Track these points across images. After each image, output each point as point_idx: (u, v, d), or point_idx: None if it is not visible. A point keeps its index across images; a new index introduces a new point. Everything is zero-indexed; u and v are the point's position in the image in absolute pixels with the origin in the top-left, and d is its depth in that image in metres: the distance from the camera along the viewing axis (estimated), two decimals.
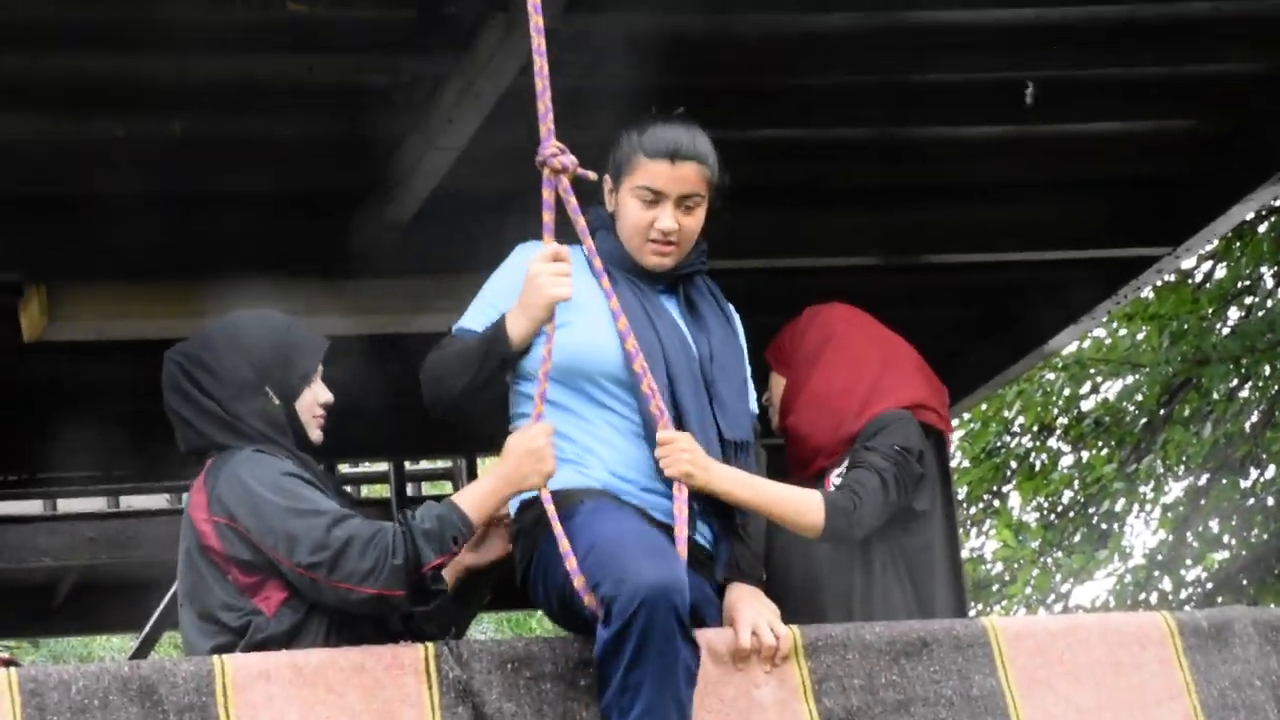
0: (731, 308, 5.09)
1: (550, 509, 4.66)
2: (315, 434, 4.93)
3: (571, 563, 4.60)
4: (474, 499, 4.68)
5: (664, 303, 4.95)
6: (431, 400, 4.84)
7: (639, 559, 4.55)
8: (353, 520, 4.66)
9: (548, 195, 4.78)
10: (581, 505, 4.70)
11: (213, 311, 5.95)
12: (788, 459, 5.41)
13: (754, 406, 5.03)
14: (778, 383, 5.46)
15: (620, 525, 4.67)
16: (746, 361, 5.04)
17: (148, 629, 11.37)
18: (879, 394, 5.31)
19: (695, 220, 4.95)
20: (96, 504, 10.59)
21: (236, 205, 6.70)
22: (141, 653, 11.36)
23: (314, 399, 4.92)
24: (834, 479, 5.19)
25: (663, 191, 4.88)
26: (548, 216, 4.77)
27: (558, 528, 4.63)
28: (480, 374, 4.78)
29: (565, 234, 4.84)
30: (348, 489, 5.83)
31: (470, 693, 4.60)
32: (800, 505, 4.99)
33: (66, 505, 10.58)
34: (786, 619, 4.87)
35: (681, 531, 4.76)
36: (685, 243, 4.94)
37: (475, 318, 4.85)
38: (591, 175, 4.85)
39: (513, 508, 4.82)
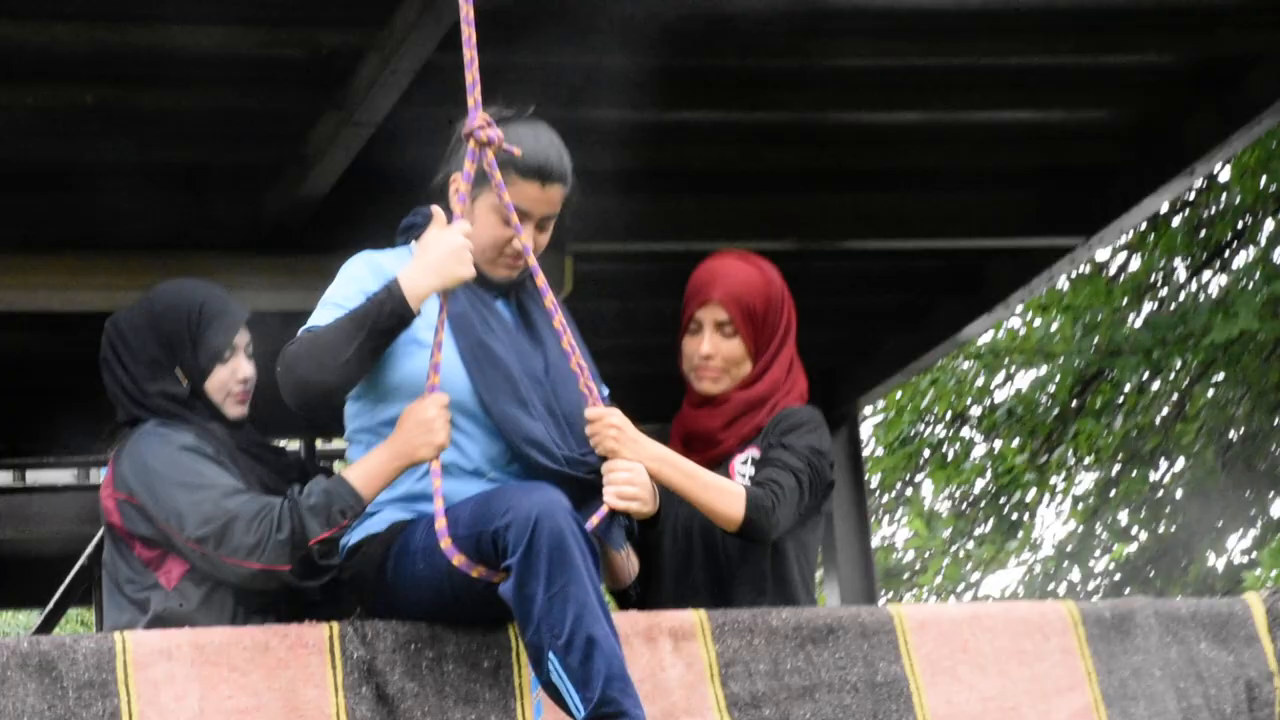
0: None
1: (437, 482, 4.62)
2: (233, 410, 4.88)
3: (446, 542, 4.53)
4: (363, 472, 4.64)
5: (501, 312, 4.82)
6: (299, 389, 4.55)
7: (512, 493, 4.54)
8: (241, 496, 4.66)
9: (469, 167, 4.73)
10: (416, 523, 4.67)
11: (121, 284, 5.93)
12: (692, 418, 5.25)
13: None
14: (743, 365, 5.18)
15: (475, 496, 4.65)
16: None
17: (51, 605, 11.30)
18: (788, 386, 5.27)
19: (546, 237, 4.83)
20: (3, 478, 10.52)
21: (148, 177, 6.65)
22: (45, 629, 11.30)
23: (230, 376, 4.88)
24: (739, 466, 5.16)
25: (529, 212, 4.76)
26: (466, 187, 4.73)
27: (440, 503, 4.57)
28: (368, 340, 4.56)
29: (384, 242, 4.81)
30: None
31: (374, 672, 4.59)
32: (724, 496, 4.91)
33: None
34: (696, 600, 4.89)
35: (594, 519, 4.75)
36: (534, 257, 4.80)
37: (323, 316, 4.65)
38: (517, 151, 4.78)
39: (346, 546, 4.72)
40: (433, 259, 4.64)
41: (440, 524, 4.53)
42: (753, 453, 5.13)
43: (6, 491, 10.36)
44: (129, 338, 4.87)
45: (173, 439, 4.75)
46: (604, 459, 4.78)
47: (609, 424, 4.79)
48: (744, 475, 5.09)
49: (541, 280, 4.78)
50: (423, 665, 4.61)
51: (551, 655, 4.44)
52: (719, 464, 5.13)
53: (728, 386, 5.19)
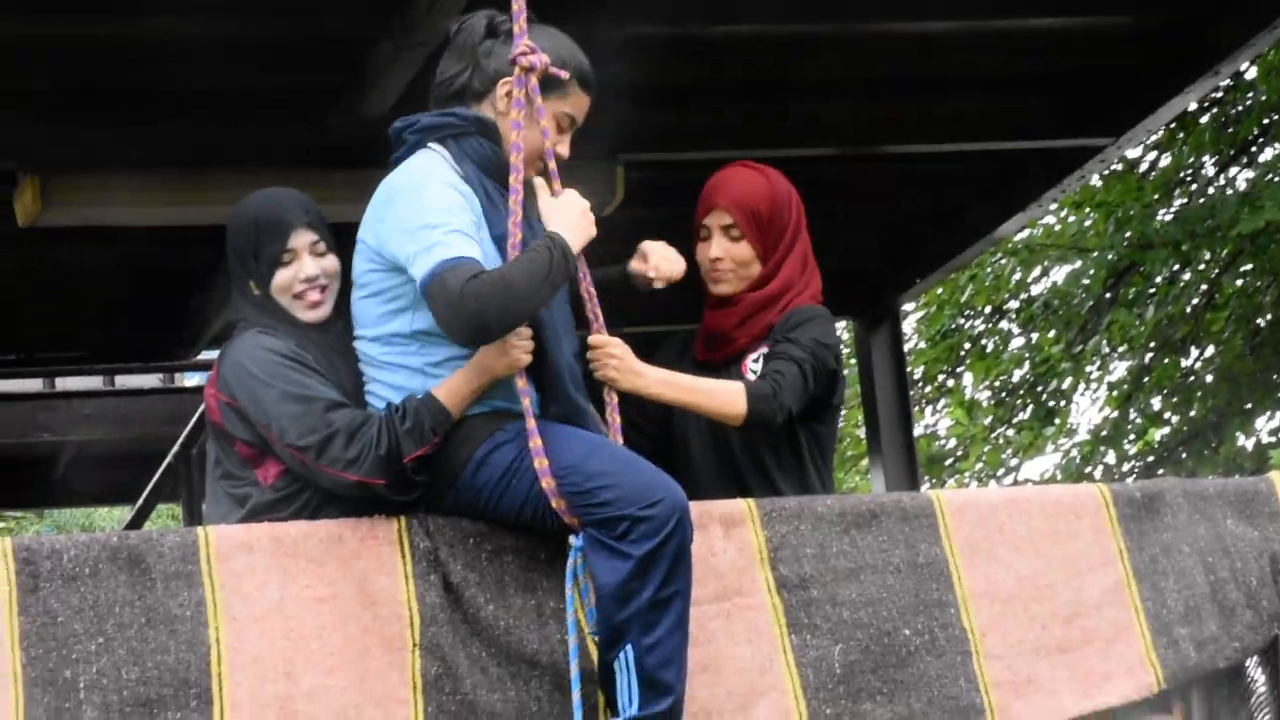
0: None
1: (525, 401, 4.61)
2: (305, 314, 4.84)
3: (541, 463, 4.54)
4: (449, 389, 4.63)
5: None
6: (481, 329, 4.48)
7: (654, 474, 4.53)
8: (343, 410, 4.66)
9: (518, 94, 4.72)
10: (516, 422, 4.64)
11: (193, 201, 5.94)
12: (709, 318, 5.29)
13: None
14: (752, 265, 5.23)
15: (593, 438, 4.65)
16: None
17: (140, 502, 11.40)
18: (800, 286, 5.28)
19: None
20: (92, 382, 10.59)
21: (221, 101, 6.65)
22: (135, 524, 11.40)
23: (293, 277, 4.85)
24: (750, 364, 5.17)
25: (576, 121, 4.78)
26: (516, 114, 4.72)
27: (533, 425, 4.56)
28: (549, 295, 4.59)
29: None
30: None
31: (439, 562, 4.62)
32: (726, 398, 4.97)
33: (64, 384, 10.58)
34: (704, 495, 4.92)
35: (617, 438, 4.76)
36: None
37: (463, 245, 4.52)
38: (564, 74, 4.76)
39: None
40: (578, 222, 4.66)
41: (540, 464, 4.53)
42: (764, 350, 5.15)
43: (98, 395, 10.43)
44: (226, 253, 4.91)
45: (273, 346, 4.75)
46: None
47: (609, 352, 4.81)
48: (754, 372, 5.12)
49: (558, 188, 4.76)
50: (482, 558, 4.64)
51: (630, 647, 4.46)
52: (734, 361, 5.17)
53: (739, 287, 5.24)
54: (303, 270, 4.85)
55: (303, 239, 4.86)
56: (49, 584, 4.40)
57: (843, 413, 5.42)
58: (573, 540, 4.58)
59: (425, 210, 4.58)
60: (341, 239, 4.90)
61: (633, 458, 4.63)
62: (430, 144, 4.73)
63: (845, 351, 5.45)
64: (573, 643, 4.58)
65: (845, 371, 5.43)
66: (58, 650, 4.36)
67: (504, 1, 4.74)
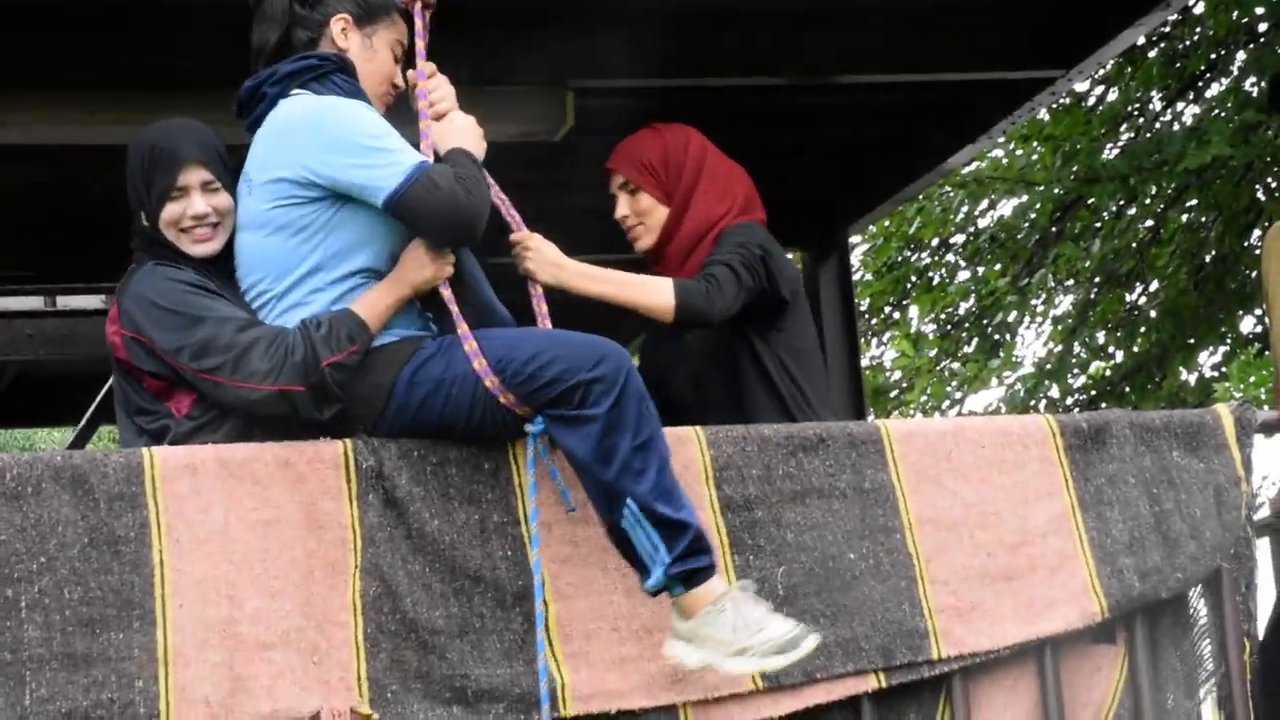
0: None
1: (454, 308, 4.64)
2: (193, 249, 4.81)
3: (480, 363, 4.57)
4: (366, 302, 4.65)
5: None
6: (483, 215, 4.60)
7: (588, 339, 4.57)
8: (258, 326, 4.65)
9: (420, 25, 4.80)
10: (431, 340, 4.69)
11: (136, 120, 5.87)
12: (652, 272, 5.39)
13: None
14: (656, 210, 5.40)
15: (513, 329, 4.70)
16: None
17: (83, 423, 11.34)
18: (724, 215, 5.36)
19: None
20: (34, 303, 10.51)
21: (170, 17, 6.58)
22: (78, 445, 11.35)
23: (181, 212, 4.81)
24: None
25: (404, 46, 4.89)
26: (421, 44, 4.81)
27: (465, 329, 4.61)
28: None
29: None
30: None
31: (382, 477, 4.61)
32: (651, 291, 5.07)
33: (4, 304, 10.49)
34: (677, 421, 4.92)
35: (545, 324, 4.82)
36: None
37: (411, 156, 4.61)
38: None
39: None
40: (472, 137, 4.74)
41: (480, 365, 4.55)
42: None
43: (39, 315, 10.35)
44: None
45: (175, 275, 4.73)
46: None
47: (526, 245, 4.86)
48: None
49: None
50: (426, 470, 4.64)
51: (630, 500, 4.47)
52: None
53: (654, 238, 5.34)
54: (192, 207, 4.81)
55: (194, 175, 4.82)
56: None
57: (811, 324, 5.44)
58: (529, 428, 4.59)
59: (362, 126, 4.62)
60: None
61: (560, 332, 4.66)
62: (293, 90, 4.74)
63: (800, 286, 5.46)
64: (535, 530, 4.61)
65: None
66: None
67: None
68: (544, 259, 4.91)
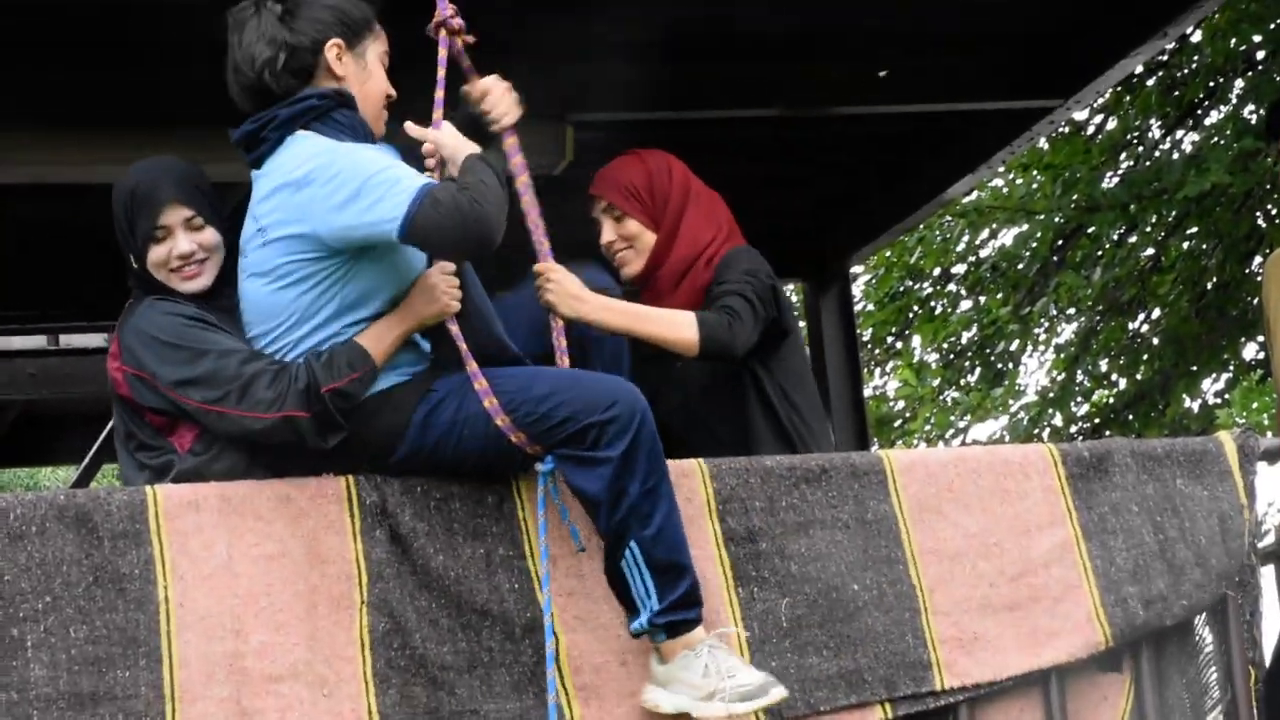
0: None
1: (463, 345, 4.64)
2: (182, 287, 4.83)
3: (491, 402, 4.57)
4: (371, 333, 4.65)
5: None
6: (500, 224, 4.53)
7: (602, 380, 4.60)
8: (261, 358, 4.66)
9: (443, 54, 4.78)
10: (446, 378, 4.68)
11: (135, 158, 5.89)
12: (642, 300, 5.38)
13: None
14: (644, 235, 5.40)
15: (526, 368, 4.68)
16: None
17: (86, 462, 11.34)
18: (719, 241, 5.37)
19: None
20: (36, 342, 10.51)
21: (168, 55, 6.60)
22: (81, 483, 11.35)
23: (167, 254, 4.83)
24: None
25: (390, 56, 4.87)
26: (441, 72, 4.77)
27: (474, 367, 4.61)
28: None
29: None
30: None
31: (386, 514, 4.62)
32: (675, 325, 5.06)
33: (6, 343, 10.50)
34: (680, 453, 4.92)
35: (563, 361, 4.81)
36: None
37: (418, 175, 4.60)
38: (472, 39, 4.81)
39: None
40: (464, 143, 4.69)
41: (491, 404, 4.56)
42: None
43: (42, 354, 10.36)
44: None
45: (175, 310, 4.75)
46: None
47: (548, 278, 4.84)
48: None
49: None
50: (430, 506, 4.65)
51: (634, 543, 4.50)
52: None
53: (642, 263, 5.36)
54: (177, 247, 4.83)
55: (175, 215, 4.83)
56: None
57: (805, 350, 5.45)
58: (539, 467, 4.60)
59: (363, 167, 4.57)
60: None
61: (575, 372, 4.69)
62: (298, 131, 4.71)
63: (795, 314, 5.48)
64: (545, 569, 4.61)
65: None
66: (4, 608, 4.36)
67: None
68: (565, 292, 4.88)
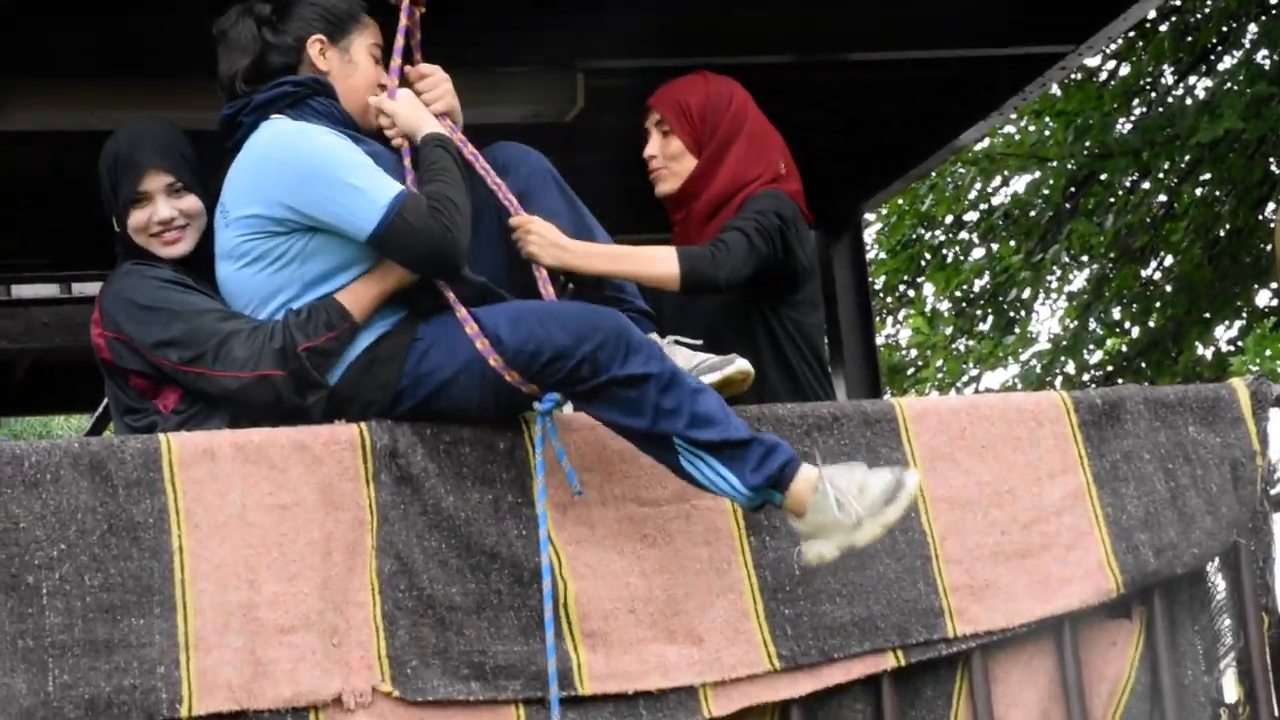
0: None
1: (451, 295, 4.65)
2: (163, 251, 4.86)
3: (483, 343, 4.58)
4: (351, 290, 4.66)
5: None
6: (464, 244, 4.61)
7: (581, 312, 4.60)
8: (237, 318, 4.69)
9: (404, 23, 4.80)
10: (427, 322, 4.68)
11: (155, 106, 5.89)
12: (678, 236, 5.39)
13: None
14: (684, 157, 5.37)
15: (509, 306, 4.68)
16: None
17: (100, 410, 11.37)
18: (758, 183, 5.33)
19: None
20: (49, 290, 10.53)
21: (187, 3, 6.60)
22: (95, 432, 11.38)
23: (147, 219, 4.86)
24: None
25: (381, 46, 4.87)
26: (400, 41, 4.81)
27: (464, 313, 4.62)
28: None
29: None
30: None
31: (395, 455, 4.63)
32: (656, 261, 5.02)
33: (20, 291, 10.52)
34: None
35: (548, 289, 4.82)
36: None
37: (393, 182, 4.62)
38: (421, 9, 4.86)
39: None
40: (425, 114, 4.75)
41: (483, 345, 4.57)
42: None
43: (55, 303, 10.38)
44: None
45: (153, 274, 4.78)
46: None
47: (528, 229, 4.83)
48: None
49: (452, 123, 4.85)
50: (440, 449, 4.66)
51: (678, 442, 4.51)
52: None
53: (676, 184, 5.33)
54: (157, 212, 4.86)
55: (157, 181, 4.86)
56: (10, 489, 4.40)
57: (820, 305, 5.43)
58: (537, 406, 4.61)
59: (332, 160, 4.62)
60: None
61: (556, 306, 4.68)
62: (271, 116, 4.75)
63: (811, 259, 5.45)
64: (541, 509, 4.61)
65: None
66: (20, 556, 4.37)
67: None
68: (546, 241, 4.87)
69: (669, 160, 5.36)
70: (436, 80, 4.89)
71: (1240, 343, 13.19)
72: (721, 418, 4.51)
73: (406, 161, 4.76)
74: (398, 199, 4.55)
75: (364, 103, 4.83)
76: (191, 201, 4.87)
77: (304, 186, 4.60)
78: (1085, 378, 13.57)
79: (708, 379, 4.75)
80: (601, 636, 4.66)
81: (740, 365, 4.81)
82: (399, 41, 4.84)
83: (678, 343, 4.87)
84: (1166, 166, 12.76)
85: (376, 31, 4.88)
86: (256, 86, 4.77)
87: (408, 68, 4.89)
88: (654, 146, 5.38)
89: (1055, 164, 12.98)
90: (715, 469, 4.51)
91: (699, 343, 4.92)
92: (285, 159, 4.63)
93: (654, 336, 4.90)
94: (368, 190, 4.57)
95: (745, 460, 4.49)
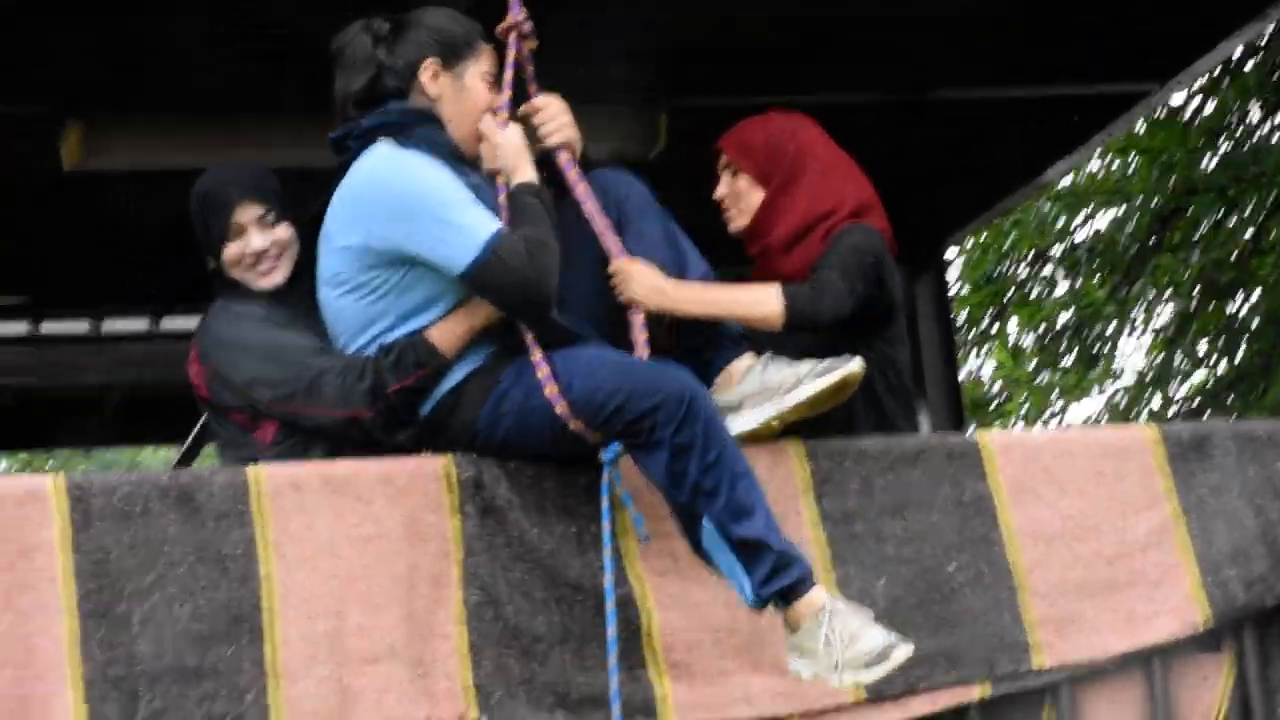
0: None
1: (529, 337, 4.66)
2: (259, 283, 4.91)
3: (552, 389, 4.59)
4: (441, 328, 4.68)
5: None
6: (554, 286, 4.62)
7: (652, 370, 4.61)
8: (329, 354, 4.73)
9: (511, 56, 4.81)
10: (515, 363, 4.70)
11: (242, 145, 5.95)
12: (755, 264, 5.39)
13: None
14: (751, 193, 5.36)
15: (589, 354, 4.68)
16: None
17: (188, 442, 11.44)
18: (840, 214, 5.32)
19: None
20: (139, 324, 10.62)
21: (272, 45, 6.66)
22: (183, 464, 11.44)
23: (240, 251, 4.91)
24: None
25: (493, 72, 4.87)
26: (509, 75, 4.80)
27: (539, 356, 4.64)
28: None
29: None
30: None
31: (480, 486, 4.65)
32: (758, 300, 5.01)
33: (110, 326, 10.60)
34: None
35: (643, 354, 4.78)
36: None
37: (491, 219, 4.64)
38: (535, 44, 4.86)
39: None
40: (523, 157, 4.75)
41: (551, 391, 4.59)
42: None
43: (145, 338, 10.46)
44: None
45: (244, 311, 4.84)
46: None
47: (629, 274, 4.83)
48: None
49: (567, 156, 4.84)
50: (524, 482, 4.68)
51: (707, 521, 4.49)
52: None
53: (746, 220, 5.35)
54: (249, 245, 4.91)
55: (248, 214, 4.91)
56: (101, 521, 4.45)
57: (906, 340, 5.42)
58: (602, 455, 4.61)
59: (431, 194, 4.64)
60: None
61: (630, 360, 4.68)
62: (377, 141, 4.76)
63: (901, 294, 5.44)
64: (607, 555, 4.61)
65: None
66: (111, 586, 4.41)
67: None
68: (648, 286, 4.87)
69: (737, 198, 5.38)
70: (554, 112, 4.88)
71: None
72: (756, 513, 4.49)
73: (501, 198, 4.77)
74: (494, 237, 4.56)
75: (473, 130, 4.82)
76: (283, 231, 4.92)
77: (401, 220, 4.62)
78: (1170, 412, 13.49)
79: (825, 380, 4.74)
80: (685, 667, 4.66)
81: (856, 365, 4.78)
82: (508, 74, 4.83)
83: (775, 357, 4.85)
84: (1253, 202, 12.69)
85: (492, 58, 4.86)
86: (366, 110, 4.79)
87: (524, 106, 4.88)
88: (724, 187, 5.40)
89: (1140, 200, 12.93)
90: (730, 563, 4.50)
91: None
92: (384, 192, 4.65)
93: (750, 357, 4.91)
94: (464, 226, 4.58)
95: (761, 566, 4.47)
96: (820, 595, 4.49)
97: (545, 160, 4.85)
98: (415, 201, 4.62)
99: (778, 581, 4.46)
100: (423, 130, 4.75)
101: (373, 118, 4.76)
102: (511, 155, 4.76)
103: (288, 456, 4.73)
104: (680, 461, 4.49)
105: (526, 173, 4.74)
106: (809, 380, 4.75)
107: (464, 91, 4.81)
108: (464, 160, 4.79)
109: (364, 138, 4.76)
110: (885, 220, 5.36)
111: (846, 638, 4.43)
